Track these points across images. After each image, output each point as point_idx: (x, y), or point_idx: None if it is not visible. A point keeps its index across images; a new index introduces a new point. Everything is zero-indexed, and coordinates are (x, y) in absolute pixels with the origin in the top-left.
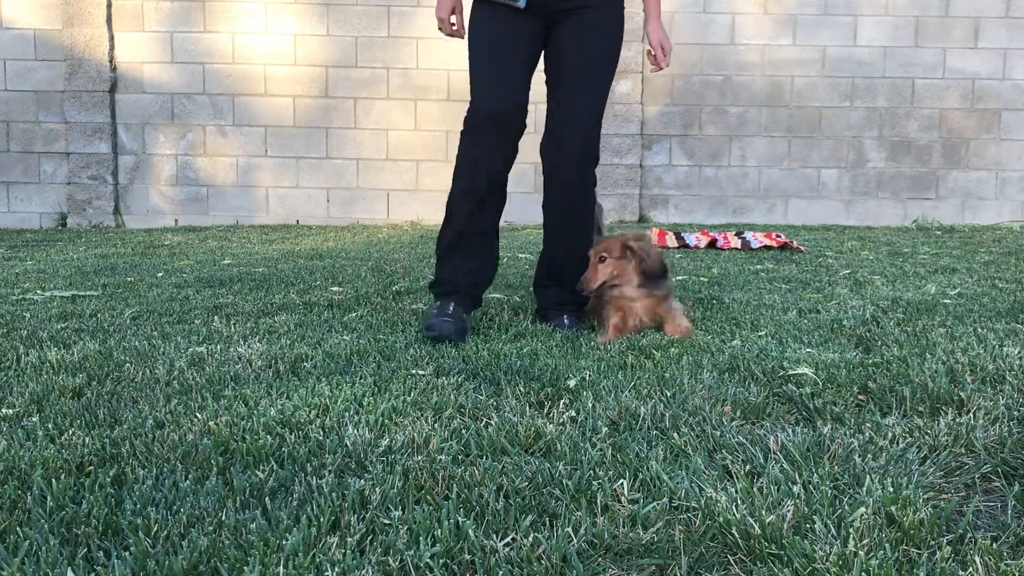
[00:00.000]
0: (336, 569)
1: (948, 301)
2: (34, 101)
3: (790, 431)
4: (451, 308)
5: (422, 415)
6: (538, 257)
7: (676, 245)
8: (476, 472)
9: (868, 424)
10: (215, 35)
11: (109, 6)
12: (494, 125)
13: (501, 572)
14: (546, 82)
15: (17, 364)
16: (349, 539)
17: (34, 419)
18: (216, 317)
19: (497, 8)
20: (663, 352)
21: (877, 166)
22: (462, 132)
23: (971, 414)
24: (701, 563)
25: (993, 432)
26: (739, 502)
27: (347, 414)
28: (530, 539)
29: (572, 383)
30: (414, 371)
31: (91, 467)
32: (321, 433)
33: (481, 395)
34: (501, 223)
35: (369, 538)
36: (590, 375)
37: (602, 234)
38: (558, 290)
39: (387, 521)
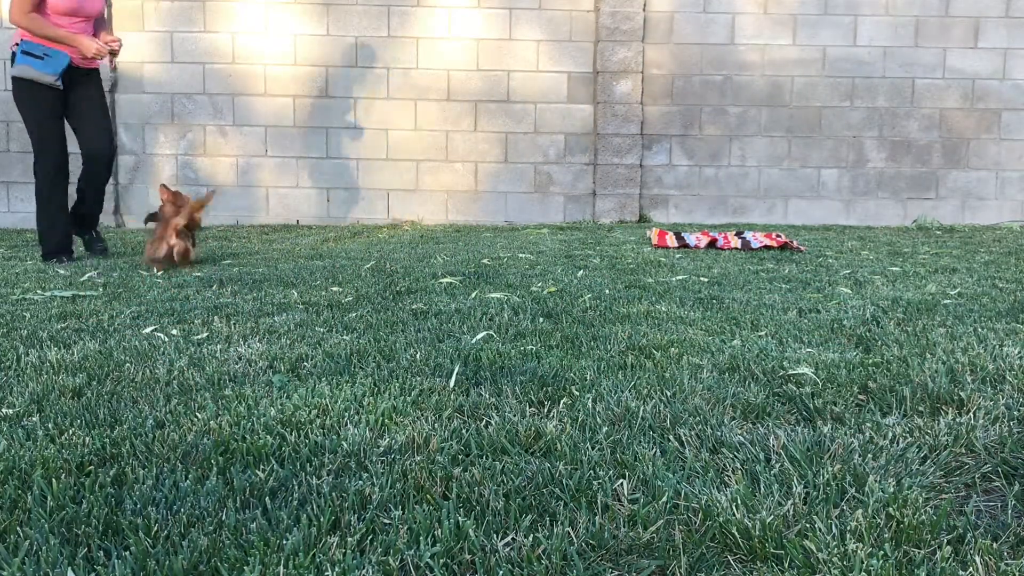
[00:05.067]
0: (336, 569)
1: (948, 301)
2: None
3: (790, 431)
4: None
5: (422, 415)
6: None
7: (676, 245)
8: (476, 472)
9: (868, 424)
10: (215, 35)
11: (109, 6)
12: (62, 171)
13: (501, 572)
14: (67, 118)
15: (17, 364)
16: (349, 539)
17: (34, 419)
18: (216, 317)
19: (39, 85)
20: (663, 352)
21: (877, 166)
22: (42, 175)
23: (971, 414)
24: (701, 563)
25: (993, 432)
26: (739, 502)
27: (347, 414)
28: (530, 539)
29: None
30: (415, 378)
31: (91, 467)
32: (321, 433)
33: (481, 395)
34: (502, 223)
35: (369, 538)
36: (590, 375)
37: None
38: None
39: (387, 521)
